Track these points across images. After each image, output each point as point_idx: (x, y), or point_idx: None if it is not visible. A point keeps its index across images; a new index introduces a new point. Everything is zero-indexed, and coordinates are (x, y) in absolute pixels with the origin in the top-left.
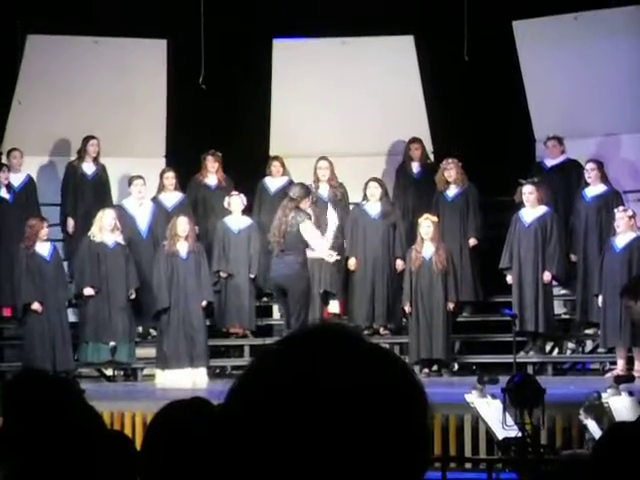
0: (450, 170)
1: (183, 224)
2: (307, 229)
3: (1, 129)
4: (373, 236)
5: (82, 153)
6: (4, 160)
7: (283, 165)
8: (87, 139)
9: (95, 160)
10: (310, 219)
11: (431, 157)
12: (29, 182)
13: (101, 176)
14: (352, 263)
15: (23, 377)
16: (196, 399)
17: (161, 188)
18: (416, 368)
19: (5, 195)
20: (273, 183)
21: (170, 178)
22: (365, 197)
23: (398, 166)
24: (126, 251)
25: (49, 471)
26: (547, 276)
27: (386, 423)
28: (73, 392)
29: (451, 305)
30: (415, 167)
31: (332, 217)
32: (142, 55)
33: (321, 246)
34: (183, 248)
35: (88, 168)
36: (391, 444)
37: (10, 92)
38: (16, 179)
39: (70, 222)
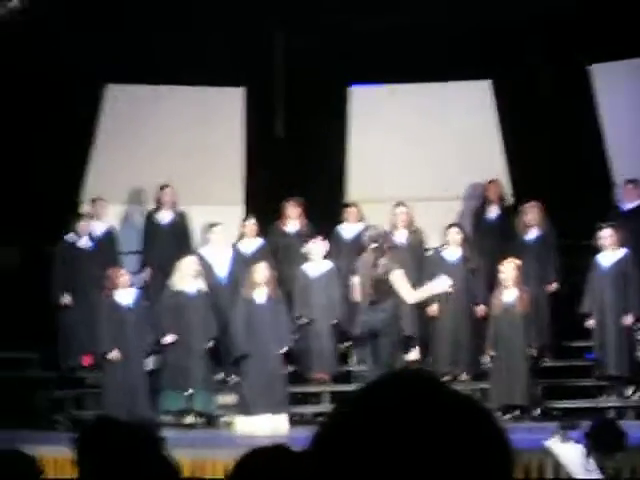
0: (531, 212)
1: (261, 270)
2: (397, 278)
3: (81, 178)
4: (453, 282)
5: (158, 201)
6: (86, 209)
7: (359, 211)
8: (162, 188)
9: (172, 208)
10: (400, 268)
11: (510, 200)
12: (110, 232)
13: (180, 224)
14: (433, 309)
15: (98, 425)
16: (278, 446)
17: (241, 235)
18: (497, 414)
19: (86, 244)
20: (349, 229)
21: (251, 225)
22: (446, 242)
23: (475, 209)
24: (206, 299)
25: None
26: (629, 319)
27: (470, 471)
28: (149, 440)
29: (533, 350)
30: (493, 210)
31: (444, 280)
32: (220, 103)
33: (412, 296)
34: (262, 294)
35: (165, 216)
36: None
37: (90, 141)
38: (98, 228)
39: (147, 271)
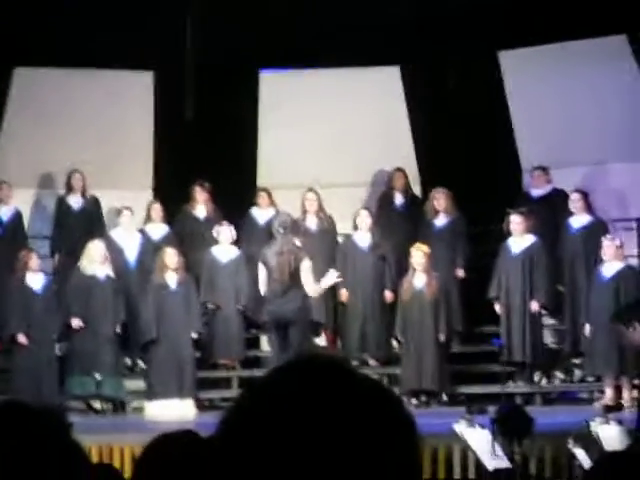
0: (439, 199)
1: (171, 256)
2: (305, 269)
3: None
4: (363, 268)
5: (68, 187)
6: None
7: (270, 196)
8: (72, 173)
9: (83, 194)
10: (309, 259)
11: (418, 187)
12: (17, 215)
13: (91, 209)
14: (343, 294)
15: (5, 409)
16: (186, 432)
17: (148, 219)
18: (404, 398)
19: None
20: (261, 215)
21: (157, 210)
22: (355, 227)
23: (380, 196)
24: (115, 284)
25: None
26: (534, 305)
27: (376, 457)
28: (57, 425)
29: (442, 336)
30: (398, 197)
31: (332, 274)
32: (129, 87)
33: (313, 290)
34: (172, 280)
35: (76, 201)
36: (381, 476)
37: None
38: (4, 212)
39: (57, 257)
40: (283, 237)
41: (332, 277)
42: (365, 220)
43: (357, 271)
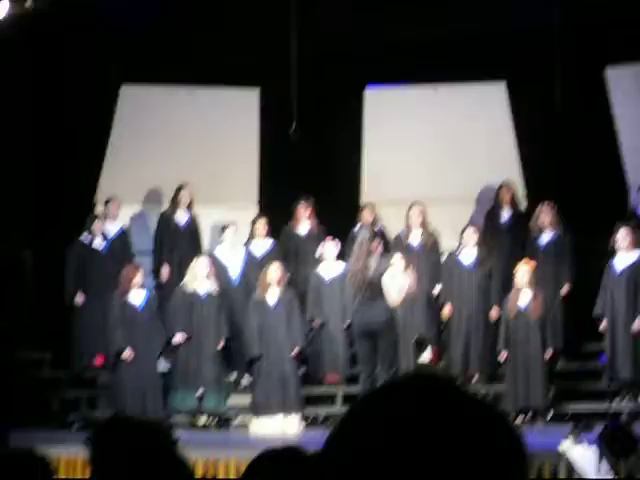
0: (546, 213)
1: (275, 270)
2: (385, 281)
3: (95, 179)
4: (468, 284)
5: (175, 202)
6: (100, 209)
7: (374, 212)
8: (180, 188)
9: (188, 208)
10: (389, 270)
11: (524, 204)
12: (123, 233)
13: (194, 226)
14: (446, 311)
15: (112, 424)
16: (290, 448)
17: (252, 235)
18: (511, 417)
19: (100, 244)
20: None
21: (262, 224)
22: (461, 243)
23: (487, 212)
24: (219, 300)
25: None
26: (637, 325)
27: (486, 473)
28: (163, 440)
29: (549, 353)
30: (505, 213)
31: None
32: (235, 104)
33: (395, 300)
34: (274, 295)
35: (181, 217)
36: None
37: (105, 142)
38: (111, 228)
39: (165, 269)
40: (359, 248)
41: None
42: (472, 236)
43: (462, 287)
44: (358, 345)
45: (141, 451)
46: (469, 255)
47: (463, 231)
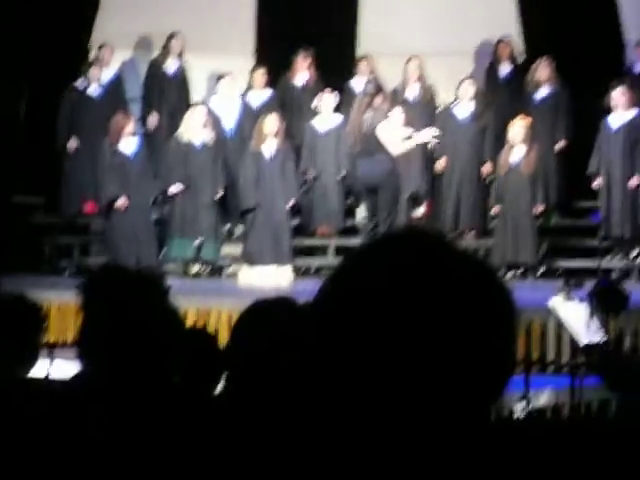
0: (542, 69)
1: (272, 122)
2: (381, 132)
3: (90, 24)
4: (462, 139)
5: (165, 50)
6: (94, 54)
7: (371, 65)
8: (171, 36)
9: (179, 57)
10: (384, 120)
11: (521, 59)
12: (117, 79)
13: (183, 75)
14: (440, 164)
15: (105, 271)
16: (282, 298)
17: (250, 85)
18: (501, 271)
19: (95, 91)
20: (360, 83)
21: (260, 75)
22: (458, 96)
23: (487, 66)
24: (214, 150)
25: (129, 367)
26: (635, 181)
27: (474, 331)
28: (154, 288)
29: (539, 208)
30: (504, 68)
31: (428, 132)
32: None
33: (396, 149)
34: (271, 147)
35: (171, 66)
36: (478, 348)
37: None
38: (105, 75)
39: (153, 118)
40: (358, 100)
41: (428, 133)
42: (468, 89)
43: (456, 141)
44: (364, 199)
45: (132, 299)
46: (465, 109)
47: (460, 84)
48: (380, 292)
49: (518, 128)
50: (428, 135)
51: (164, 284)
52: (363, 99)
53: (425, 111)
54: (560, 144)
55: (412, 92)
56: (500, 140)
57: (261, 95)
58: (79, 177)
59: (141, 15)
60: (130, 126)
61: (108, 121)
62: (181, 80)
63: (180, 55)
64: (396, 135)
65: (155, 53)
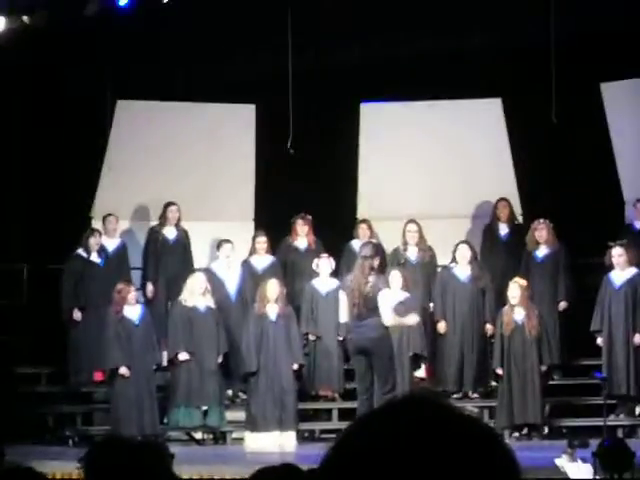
0: (541, 230)
1: (273, 287)
2: (382, 298)
3: (92, 194)
4: (462, 300)
5: (163, 218)
6: (97, 225)
7: (370, 228)
8: (167, 205)
9: (176, 226)
10: (389, 288)
11: (519, 218)
12: (122, 247)
13: (183, 241)
14: (441, 327)
15: (107, 442)
16: (286, 465)
17: (252, 251)
18: (506, 432)
19: (96, 259)
20: (360, 245)
21: (262, 242)
22: (454, 259)
23: (485, 227)
24: (217, 315)
25: None
26: (638, 338)
27: None
28: (158, 457)
29: (544, 368)
30: (503, 228)
31: (414, 318)
32: (231, 120)
33: (389, 320)
34: (273, 311)
35: (170, 233)
36: None
37: (101, 157)
38: (108, 243)
39: (149, 287)
40: (360, 263)
41: (413, 319)
42: (464, 254)
43: (456, 303)
44: (354, 362)
45: (135, 469)
46: (463, 271)
47: (456, 248)
48: (384, 459)
49: (515, 290)
50: (414, 321)
51: (168, 453)
52: (365, 262)
53: (425, 273)
54: (562, 305)
55: (412, 254)
56: (501, 297)
57: (264, 260)
58: (85, 347)
59: (142, 184)
60: (132, 295)
61: (110, 289)
62: (182, 246)
63: (177, 224)
64: (391, 303)
65: (152, 223)
